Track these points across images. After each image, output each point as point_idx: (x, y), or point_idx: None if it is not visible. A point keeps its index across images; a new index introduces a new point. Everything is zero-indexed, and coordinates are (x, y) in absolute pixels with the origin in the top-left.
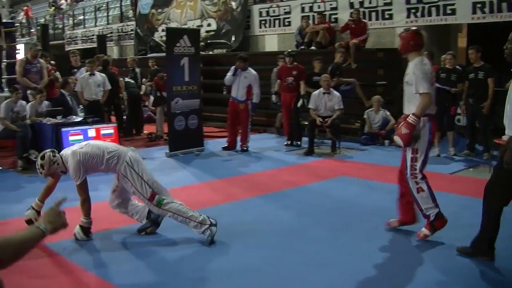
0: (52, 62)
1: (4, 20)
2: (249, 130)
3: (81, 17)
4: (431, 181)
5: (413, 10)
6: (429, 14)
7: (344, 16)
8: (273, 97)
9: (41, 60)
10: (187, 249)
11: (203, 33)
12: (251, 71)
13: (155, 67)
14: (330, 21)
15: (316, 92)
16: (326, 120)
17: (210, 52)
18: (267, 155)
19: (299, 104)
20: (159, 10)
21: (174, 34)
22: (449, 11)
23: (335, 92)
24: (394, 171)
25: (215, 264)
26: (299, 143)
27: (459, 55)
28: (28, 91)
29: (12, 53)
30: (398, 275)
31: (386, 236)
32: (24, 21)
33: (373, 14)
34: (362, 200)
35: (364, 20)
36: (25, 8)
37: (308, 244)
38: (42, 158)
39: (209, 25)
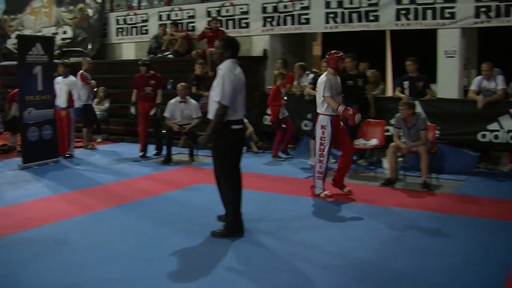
0: None
1: None
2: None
3: None
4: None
5: (269, 19)
6: (285, 23)
7: (201, 24)
8: (132, 109)
9: None
10: None
11: (58, 41)
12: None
13: None
14: (187, 29)
15: (173, 100)
16: (184, 127)
17: (66, 61)
18: (125, 165)
19: (152, 112)
20: (12, 16)
21: (26, 42)
22: (303, 21)
23: (192, 100)
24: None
25: (62, 277)
26: (157, 151)
27: (315, 62)
28: None
29: None
30: (255, 278)
31: (240, 242)
32: None
33: (230, 22)
34: (218, 207)
35: (221, 29)
36: None
37: (168, 253)
38: None
39: (65, 32)
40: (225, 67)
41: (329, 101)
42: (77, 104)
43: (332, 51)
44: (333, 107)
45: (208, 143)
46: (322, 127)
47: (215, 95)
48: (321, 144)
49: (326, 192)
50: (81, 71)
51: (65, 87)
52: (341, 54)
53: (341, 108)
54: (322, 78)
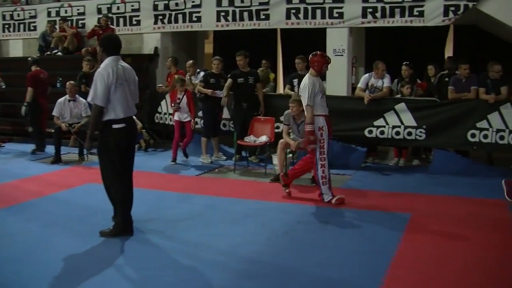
0: None
1: None
2: None
3: None
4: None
5: (160, 17)
6: (176, 21)
7: (91, 21)
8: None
9: None
10: None
11: None
12: None
13: None
14: (77, 26)
15: (62, 99)
16: (73, 126)
17: None
18: (12, 166)
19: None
20: None
21: None
22: (195, 19)
23: (81, 99)
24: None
25: None
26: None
27: (206, 60)
28: None
29: None
30: (144, 277)
31: (129, 241)
32: None
33: (121, 20)
34: (108, 207)
35: (111, 26)
36: None
37: (56, 255)
38: None
39: None
40: (101, 66)
41: (308, 110)
42: None
43: (318, 52)
44: (307, 120)
45: (92, 147)
46: (320, 128)
47: (89, 96)
48: (321, 147)
49: (337, 197)
50: None
51: None
52: (327, 57)
53: (310, 127)
54: (305, 82)
